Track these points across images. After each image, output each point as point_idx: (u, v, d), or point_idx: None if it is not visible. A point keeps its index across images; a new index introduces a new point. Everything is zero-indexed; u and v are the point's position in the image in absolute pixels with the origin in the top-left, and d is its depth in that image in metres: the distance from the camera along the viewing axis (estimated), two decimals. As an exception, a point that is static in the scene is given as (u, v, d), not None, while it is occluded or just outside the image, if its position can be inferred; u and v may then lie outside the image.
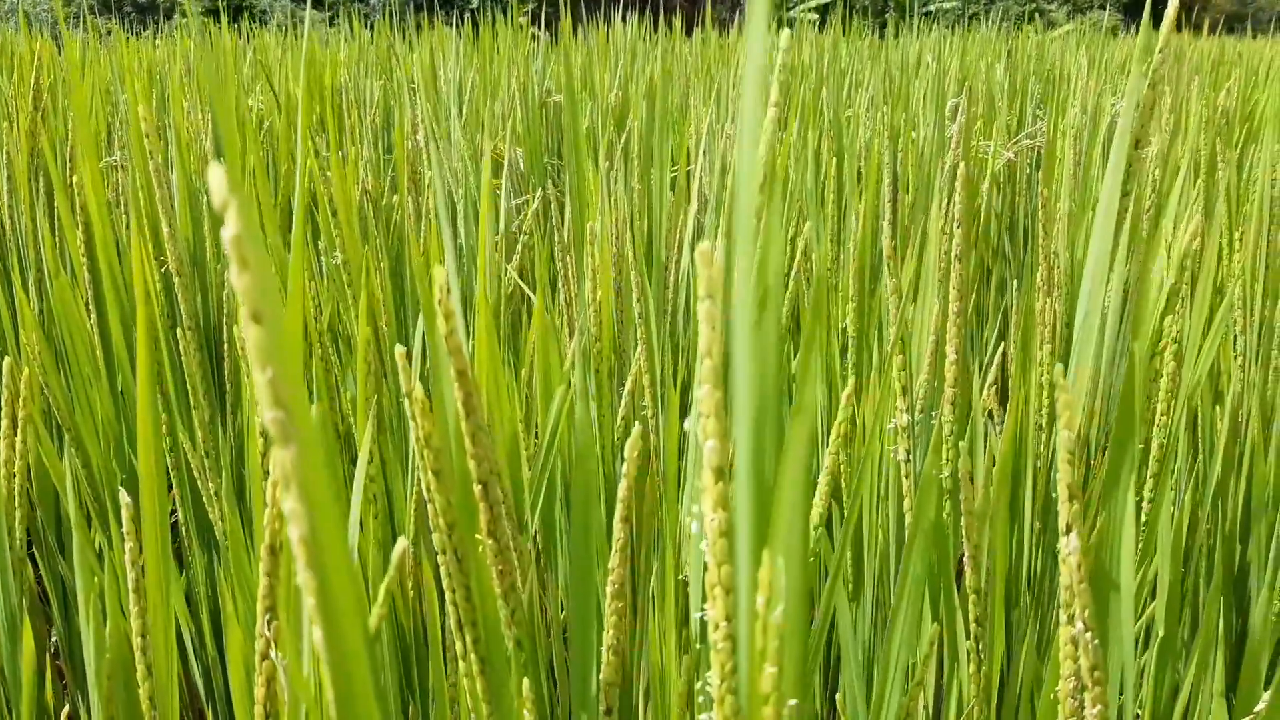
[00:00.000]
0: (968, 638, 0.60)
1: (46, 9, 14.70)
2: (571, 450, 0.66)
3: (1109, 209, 0.55)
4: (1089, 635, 0.36)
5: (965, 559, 0.59)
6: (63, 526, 1.00)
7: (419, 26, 4.54)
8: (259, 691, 0.43)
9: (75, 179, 0.93)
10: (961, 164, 0.58)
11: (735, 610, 0.35)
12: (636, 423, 0.46)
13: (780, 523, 0.29)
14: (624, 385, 0.80)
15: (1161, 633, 0.67)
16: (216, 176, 0.22)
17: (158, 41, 3.87)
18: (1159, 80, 0.55)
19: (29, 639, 0.57)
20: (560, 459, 0.84)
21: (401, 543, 0.38)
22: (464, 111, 1.85)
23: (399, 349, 0.44)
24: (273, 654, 0.40)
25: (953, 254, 0.58)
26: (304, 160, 0.49)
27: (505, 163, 1.88)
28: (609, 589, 0.44)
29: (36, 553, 0.99)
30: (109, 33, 3.61)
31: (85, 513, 0.97)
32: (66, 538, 1.01)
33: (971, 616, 0.59)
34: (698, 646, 0.41)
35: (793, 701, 0.30)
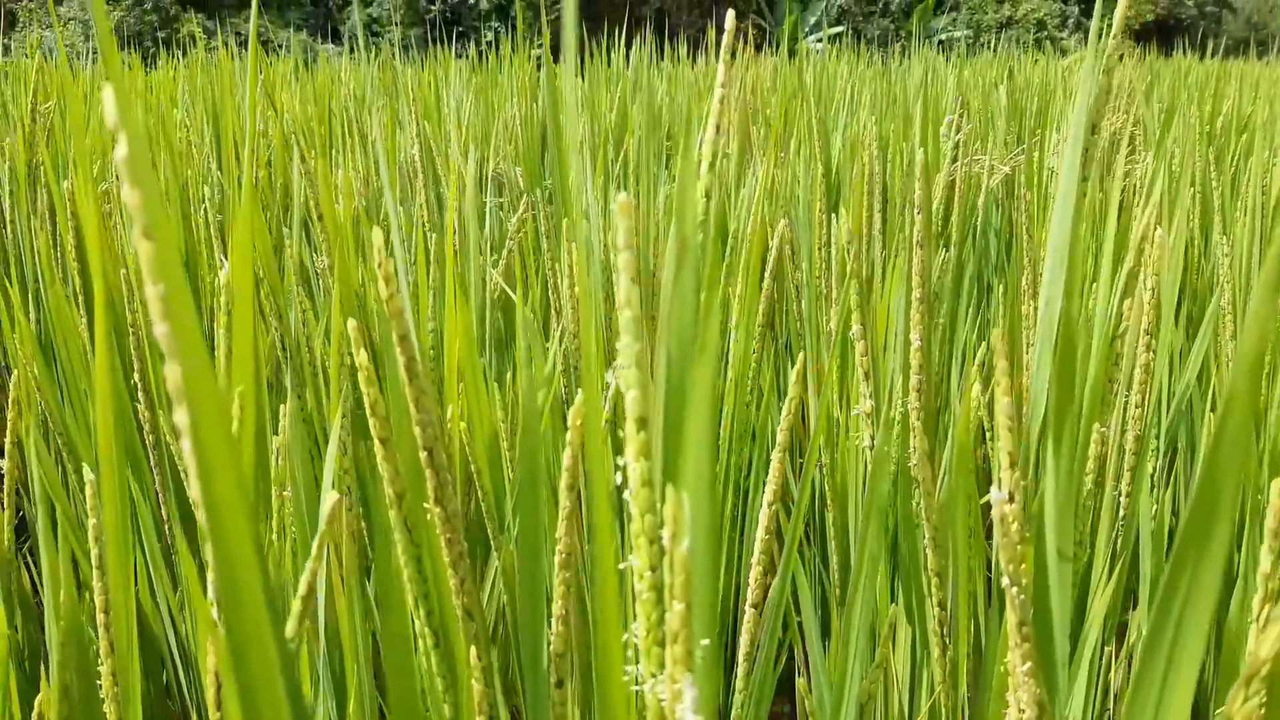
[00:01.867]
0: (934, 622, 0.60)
1: (69, 44, 14.94)
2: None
3: (1067, 194, 0.56)
4: (1016, 591, 0.36)
5: (926, 542, 0.59)
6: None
7: (434, 57, 4.60)
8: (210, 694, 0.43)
9: (69, 187, 0.95)
10: (920, 151, 0.59)
11: (660, 560, 0.35)
12: (580, 391, 0.46)
13: (687, 460, 0.30)
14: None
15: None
16: (108, 98, 0.23)
17: (174, 71, 3.93)
18: (1112, 66, 0.56)
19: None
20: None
21: (332, 496, 0.38)
22: (464, 132, 1.87)
23: (352, 322, 0.45)
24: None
25: (913, 239, 0.59)
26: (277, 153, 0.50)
27: (499, 178, 1.90)
28: (557, 559, 0.44)
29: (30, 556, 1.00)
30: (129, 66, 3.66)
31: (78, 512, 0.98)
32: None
33: (934, 600, 0.59)
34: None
35: (705, 641, 0.31)
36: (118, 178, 1.55)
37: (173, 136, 1.00)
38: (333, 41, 16.24)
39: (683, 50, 3.92)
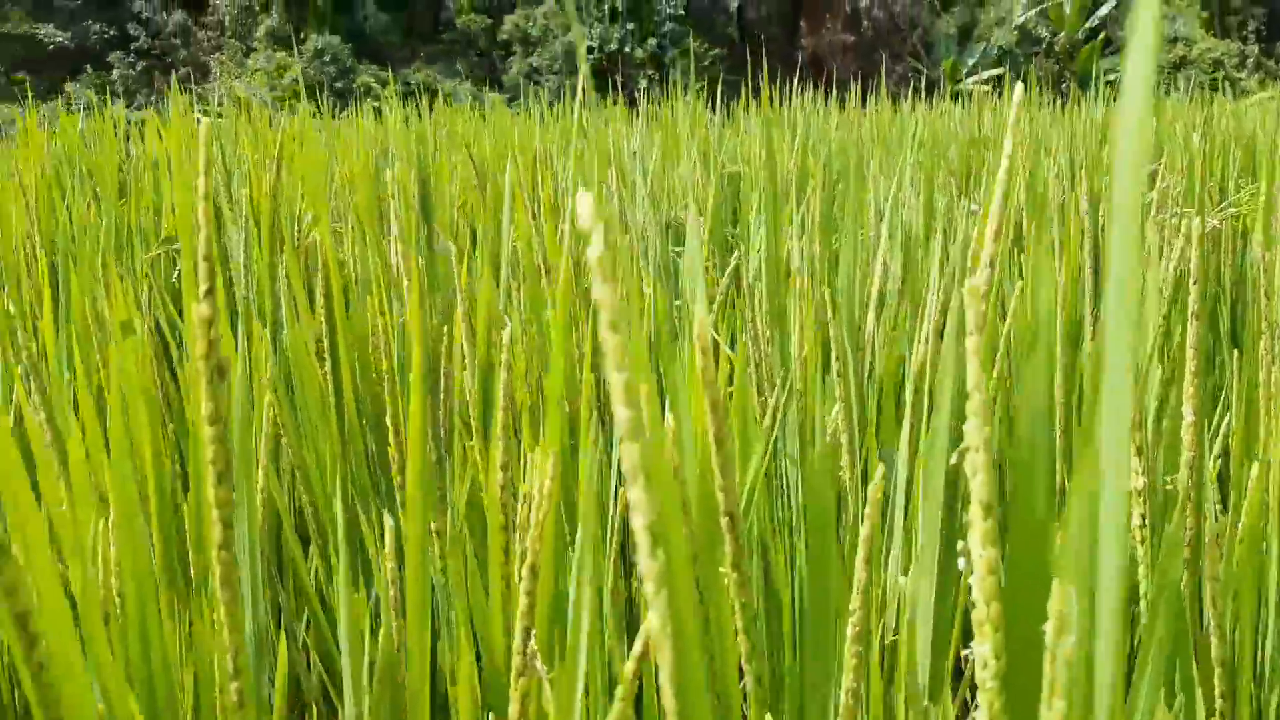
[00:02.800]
0: (1211, 715, 0.57)
1: (259, 94, 16.07)
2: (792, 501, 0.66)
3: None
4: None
5: (1210, 629, 0.56)
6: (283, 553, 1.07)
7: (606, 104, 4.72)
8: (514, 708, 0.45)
9: (307, 235, 1.01)
10: (1197, 219, 0.57)
11: (1003, 649, 0.35)
12: (880, 464, 0.46)
13: (1068, 553, 0.29)
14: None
15: None
16: (584, 203, 0.25)
17: (362, 122, 4.16)
18: None
19: (284, 655, 0.62)
20: (756, 516, 0.85)
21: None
22: (649, 182, 1.91)
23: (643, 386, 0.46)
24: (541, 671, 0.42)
25: (1189, 310, 0.57)
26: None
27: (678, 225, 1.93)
28: (849, 631, 0.44)
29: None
30: (321, 114, 3.90)
31: (303, 540, 1.04)
32: (287, 563, 1.08)
33: (1218, 691, 0.56)
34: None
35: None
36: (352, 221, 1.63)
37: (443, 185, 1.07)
38: (495, 90, 16.94)
39: (852, 96, 3.90)
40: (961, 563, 0.43)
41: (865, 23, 16.89)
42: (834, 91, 4.43)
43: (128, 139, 2.71)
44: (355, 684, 0.53)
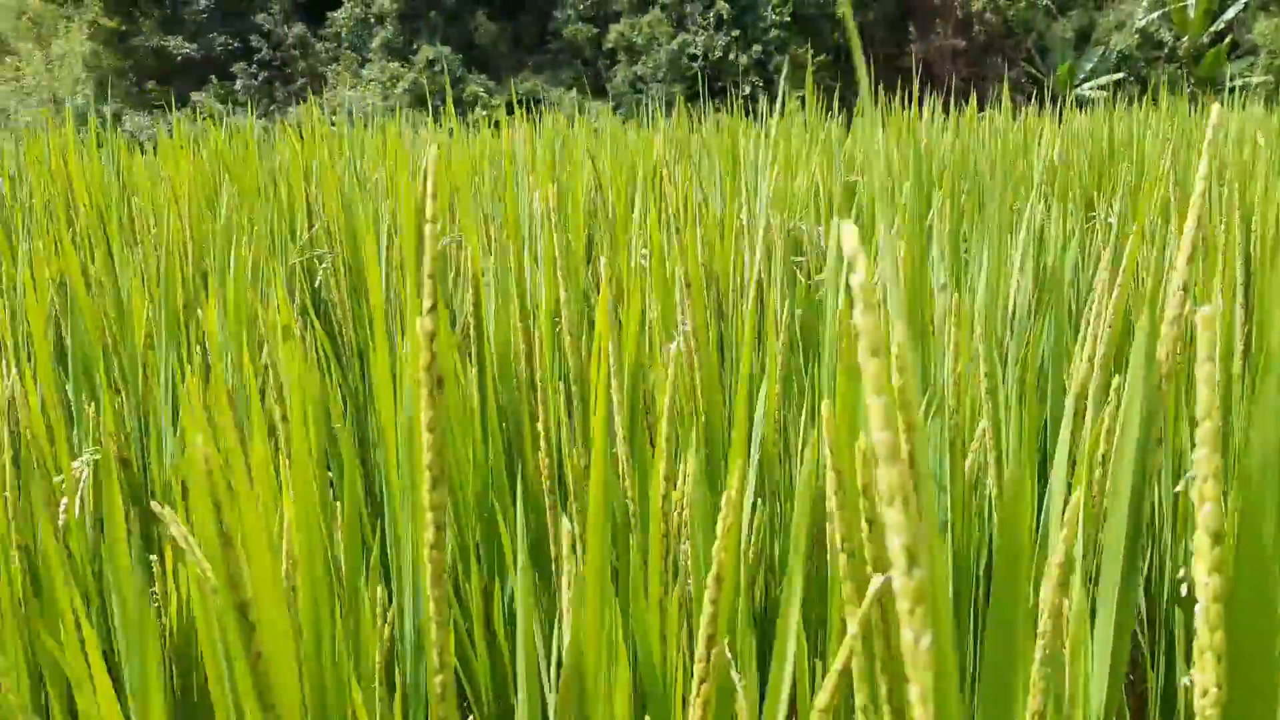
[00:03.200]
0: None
1: (369, 105, 16.58)
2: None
3: None
4: None
5: None
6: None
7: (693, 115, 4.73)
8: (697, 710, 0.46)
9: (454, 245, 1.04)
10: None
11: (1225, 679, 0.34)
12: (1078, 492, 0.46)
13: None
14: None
15: None
16: (848, 232, 0.26)
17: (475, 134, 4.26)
18: None
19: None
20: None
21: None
22: (769, 190, 1.91)
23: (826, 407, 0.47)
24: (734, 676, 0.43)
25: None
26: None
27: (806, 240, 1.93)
28: (1033, 694, 0.44)
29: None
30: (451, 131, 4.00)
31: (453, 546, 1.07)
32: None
33: None
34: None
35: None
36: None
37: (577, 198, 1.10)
38: (600, 98, 17.12)
39: (970, 104, 3.82)
40: (1184, 589, 0.42)
41: (977, 27, 16.51)
42: (948, 98, 4.34)
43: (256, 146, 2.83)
44: (530, 683, 0.54)
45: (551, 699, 0.69)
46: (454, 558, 1.07)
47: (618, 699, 0.63)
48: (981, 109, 4.15)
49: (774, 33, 15.63)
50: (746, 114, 3.49)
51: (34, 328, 1.01)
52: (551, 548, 0.89)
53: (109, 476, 0.58)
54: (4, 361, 1.18)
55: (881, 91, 3.66)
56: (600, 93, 18.61)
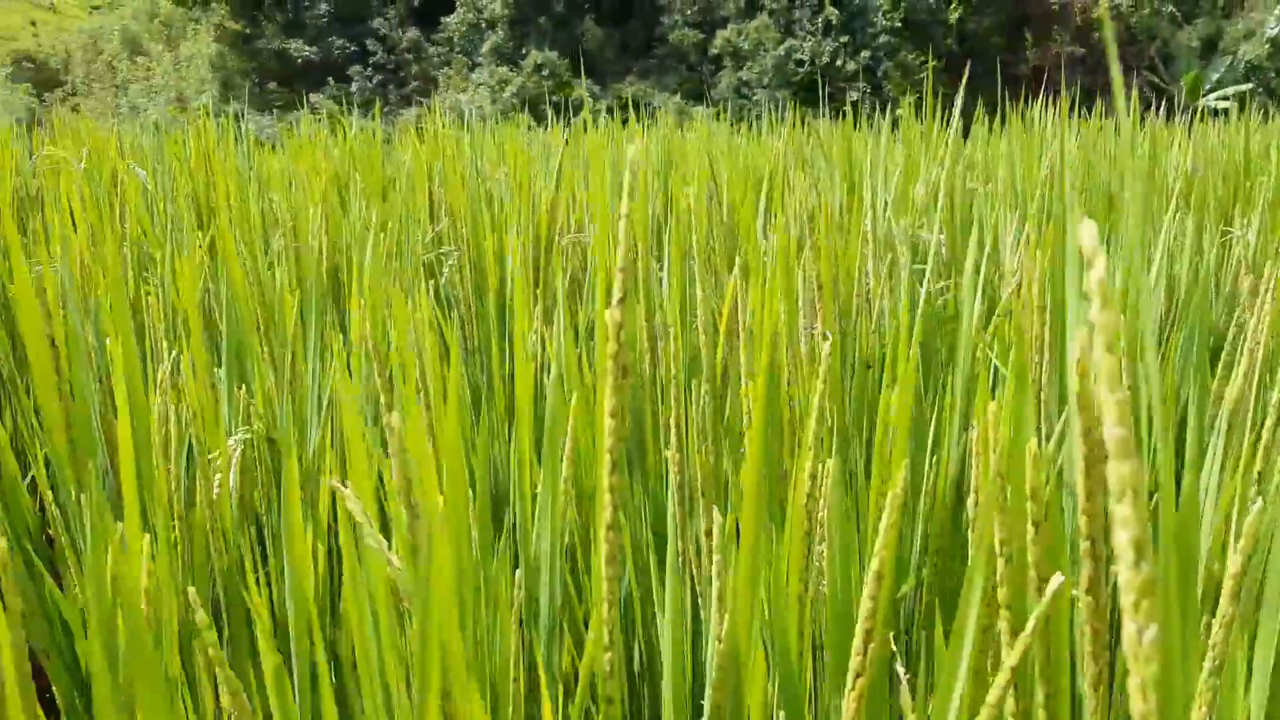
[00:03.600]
0: None
1: (478, 108, 16.93)
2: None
3: None
4: None
5: None
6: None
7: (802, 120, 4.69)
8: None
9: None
10: None
11: None
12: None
13: None
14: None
15: None
16: (1087, 230, 0.27)
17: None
18: None
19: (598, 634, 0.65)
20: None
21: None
22: (891, 197, 1.90)
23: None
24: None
25: None
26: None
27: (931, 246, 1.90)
28: (1206, 665, 0.43)
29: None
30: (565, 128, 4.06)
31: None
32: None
33: None
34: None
35: None
36: None
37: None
38: (703, 104, 17.15)
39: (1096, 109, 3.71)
40: None
41: (1097, 35, 15.98)
42: (1069, 107, 4.22)
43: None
44: (675, 669, 0.56)
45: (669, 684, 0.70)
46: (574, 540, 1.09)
47: (754, 690, 0.64)
48: (1103, 119, 4.02)
49: (884, 38, 15.42)
50: (852, 119, 3.45)
51: (189, 313, 1.07)
52: (678, 542, 0.90)
53: (289, 450, 0.61)
54: (160, 343, 1.26)
55: (999, 100, 3.58)
56: (704, 98, 18.63)
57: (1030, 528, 0.46)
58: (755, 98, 16.28)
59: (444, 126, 2.80)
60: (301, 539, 0.61)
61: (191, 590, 0.55)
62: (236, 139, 2.68)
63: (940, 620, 0.68)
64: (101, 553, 0.57)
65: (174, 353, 1.04)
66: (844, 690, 0.59)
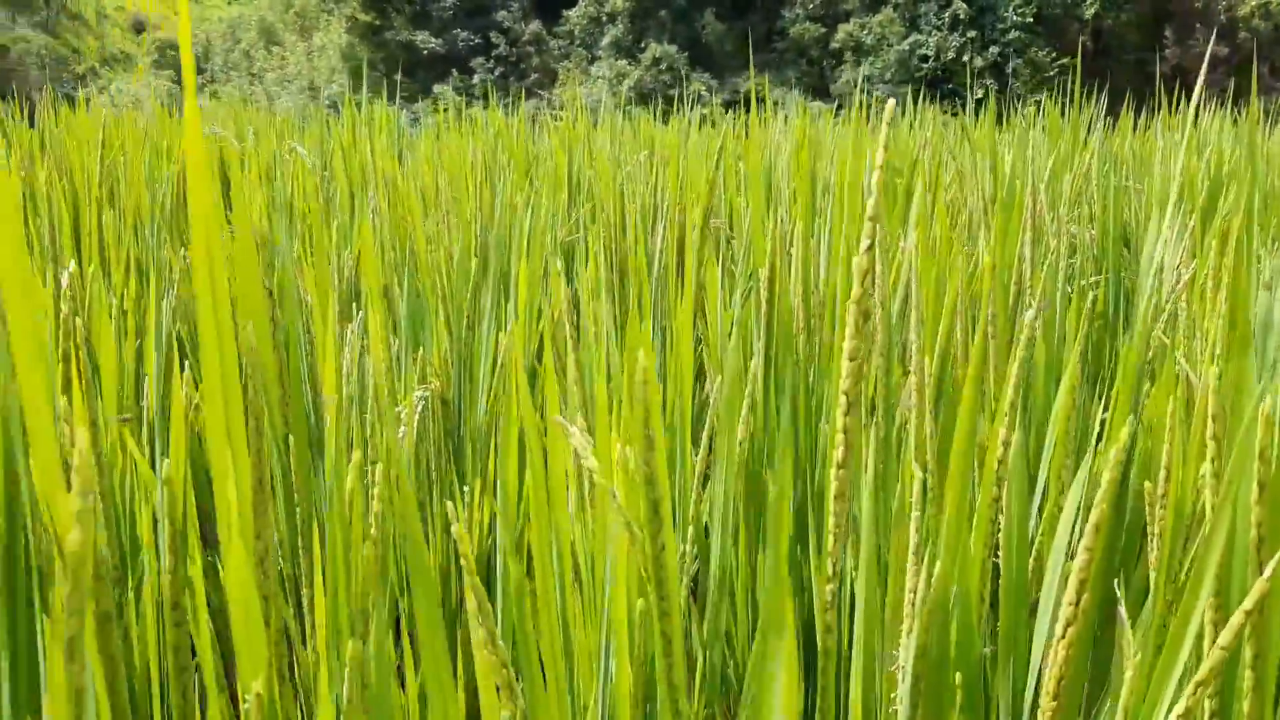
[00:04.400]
0: None
1: (596, 100, 17.14)
2: None
3: None
4: None
5: None
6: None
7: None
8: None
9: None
10: None
11: None
12: None
13: None
14: None
15: None
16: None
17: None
18: None
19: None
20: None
21: None
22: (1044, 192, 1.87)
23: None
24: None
25: None
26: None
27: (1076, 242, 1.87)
28: None
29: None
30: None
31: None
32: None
33: None
34: None
35: None
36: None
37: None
38: (822, 99, 16.96)
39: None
40: None
41: (1243, 33, 15.21)
42: (1220, 106, 4.05)
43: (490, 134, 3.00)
44: (870, 609, 0.58)
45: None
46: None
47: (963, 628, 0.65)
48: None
49: (1014, 34, 14.97)
50: (995, 114, 3.39)
51: (370, 281, 1.14)
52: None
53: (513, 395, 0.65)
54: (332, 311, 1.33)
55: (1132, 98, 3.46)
56: (823, 93, 18.42)
57: (1256, 488, 0.47)
58: (877, 93, 16.02)
59: (581, 113, 2.87)
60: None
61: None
62: (386, 124, 2.79)
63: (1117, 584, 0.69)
64: (343, 481, 0.62)
65: (359, 313, 1.11)
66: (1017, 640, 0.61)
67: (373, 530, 0.60)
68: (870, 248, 0.44)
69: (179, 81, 28.10)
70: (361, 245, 1.31)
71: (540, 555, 0.67)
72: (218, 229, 0.46)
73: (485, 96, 5.22)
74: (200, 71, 31.54)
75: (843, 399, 0.45)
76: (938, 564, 0.53)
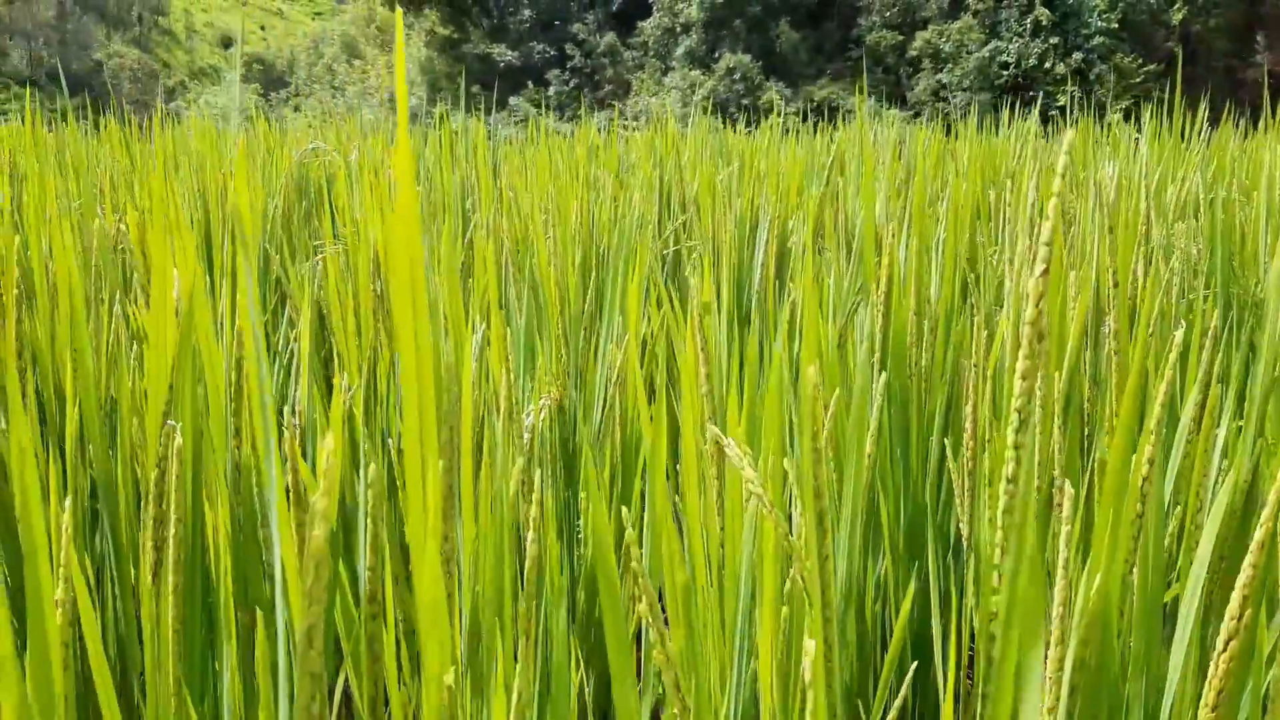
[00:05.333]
0: None
1: (668, 112, 17.21)
2: None
3: None
4: None
5: None
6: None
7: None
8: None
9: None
10: None
11: None
12: None
13: None
14: None
15: None
16: None
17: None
18: None
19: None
20: None
21: None
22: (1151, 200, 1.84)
23: None
24: None
25: None
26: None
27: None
28: None
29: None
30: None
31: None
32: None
33: None
34: None
35: None
36: None
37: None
38: (899, 107, 16.79)
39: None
40: None
41: (1342, 36, 14.64)
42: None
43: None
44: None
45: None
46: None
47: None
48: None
49: (1098, 40, 14.65)
50: (1045, 122, 3.33)
51: (490, 292, 1.18)
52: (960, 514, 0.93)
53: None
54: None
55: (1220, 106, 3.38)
56: (898, 100, 18.23)
57: None
58: (954, 101, 15.80)
59: (668, 124, 2.90)
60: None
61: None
62: (489, 136, 2.86)
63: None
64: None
65: (481, 325, 1.15)
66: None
67: (532, 536, 0.63)
68: (1045, 271, 0.45)
69: (265, 95, 28.92)
70: (478, 257, 1.36)
71: (670, 561, 0.70)
72: (420, 255, 0.49)
73: (560, 108, 5.29)
74: (284, 85, 32.45)
75: (1015, 416, 0.47)
76: (1097, 577, 0.54)
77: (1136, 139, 3.19)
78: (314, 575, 0.43)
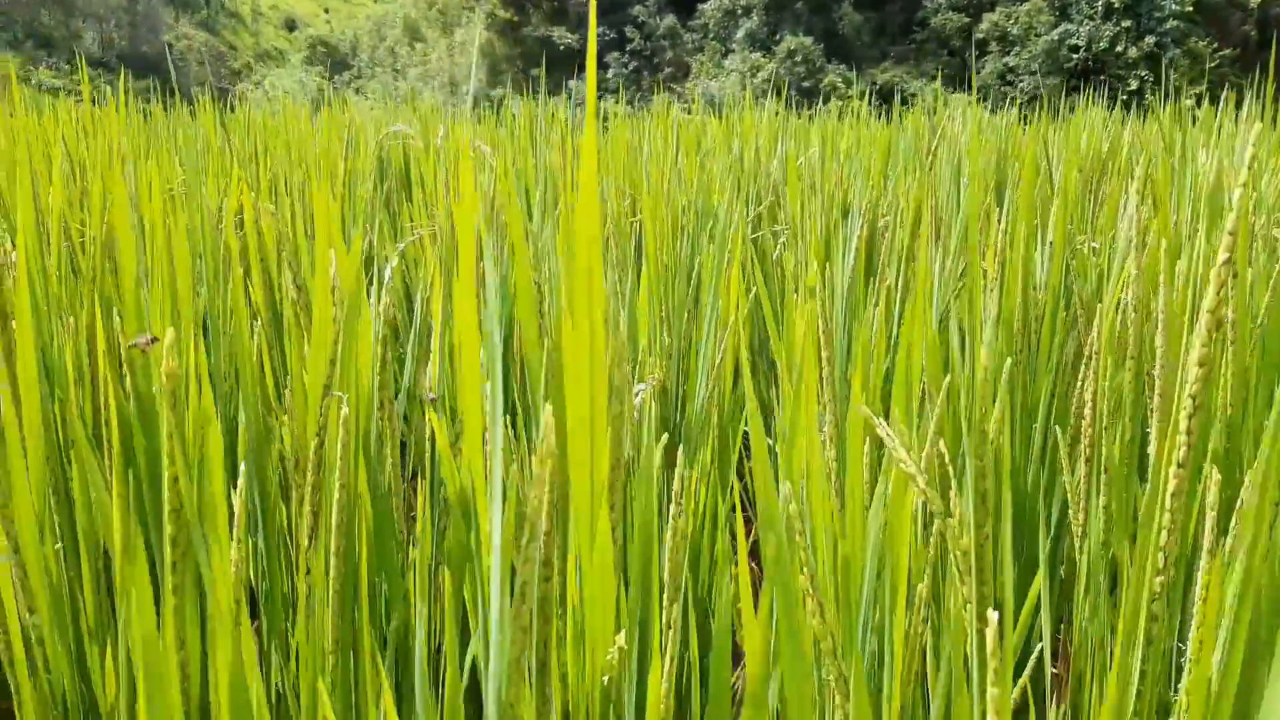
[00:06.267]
0: None
1: (727, 94, 17.11)
2: None
3: None
4: None
5: None
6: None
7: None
8: None
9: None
10: None
11: None
12: None
13: None
14: None
15: None
16: None
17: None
18: None
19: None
20: None
21: None
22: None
23: None
24: None
25: None
26: None
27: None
28: None
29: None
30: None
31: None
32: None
33: None
34: None
35: None
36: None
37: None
38: (964, 90, 16.49)
39: None
40: None
41: None
42: None
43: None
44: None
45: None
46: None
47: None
48: None
49: (1171, 23, 14.24)
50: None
51: (595, 279, 1.20)
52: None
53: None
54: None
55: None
56: (963, 84, 17.91)
57: None
58: (1021, 84, 15.50)
59: (749, 110, 2.90)
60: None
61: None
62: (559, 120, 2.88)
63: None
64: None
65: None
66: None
67: (682, 520, 0.65)
68: (1229, 260, 0.46)
69: (329, 77, 29.28)
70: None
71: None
72: (600, 251, 0.51)
73: (618, 90, 5.29)
74: (347, 67, 32.84)
75: (1189, 402, 0.48)
76: (1243, 560, 0.55)
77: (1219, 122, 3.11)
78: (529, 535, 0.46)
